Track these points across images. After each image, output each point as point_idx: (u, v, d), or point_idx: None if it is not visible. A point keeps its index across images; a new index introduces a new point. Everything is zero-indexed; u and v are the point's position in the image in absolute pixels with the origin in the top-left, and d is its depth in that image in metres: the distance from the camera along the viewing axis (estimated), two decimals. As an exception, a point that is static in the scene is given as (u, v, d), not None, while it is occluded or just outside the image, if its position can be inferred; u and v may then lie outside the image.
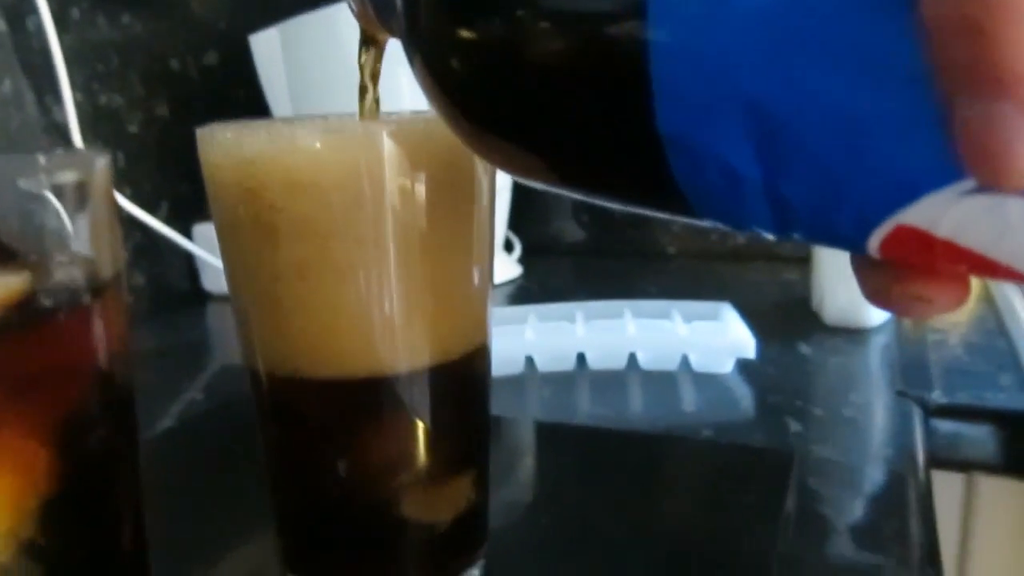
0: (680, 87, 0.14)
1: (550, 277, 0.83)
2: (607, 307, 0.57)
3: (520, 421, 0.46)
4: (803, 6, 0.13)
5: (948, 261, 0.14)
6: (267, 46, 0.70)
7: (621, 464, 0.40)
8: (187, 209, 0.75)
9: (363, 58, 0.26)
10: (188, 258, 0.76)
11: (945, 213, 0.13)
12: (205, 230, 0.76)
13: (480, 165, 0.27)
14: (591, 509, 0.35)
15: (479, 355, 0.28)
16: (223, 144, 0.25)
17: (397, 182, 0.24)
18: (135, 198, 0.69)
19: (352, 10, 0.25)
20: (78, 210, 0.13)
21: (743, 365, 0.52)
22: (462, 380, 0.28)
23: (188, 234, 0.75)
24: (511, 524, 0.34)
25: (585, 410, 0.48)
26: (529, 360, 0.53)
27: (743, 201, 0.15)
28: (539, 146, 0.19)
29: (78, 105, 0.65)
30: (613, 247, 0.91)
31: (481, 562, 0.30)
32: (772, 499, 0.35)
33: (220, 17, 0.79)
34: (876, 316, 0.58)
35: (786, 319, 0.62)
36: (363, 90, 0.27)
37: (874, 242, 0.14)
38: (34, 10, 0.61)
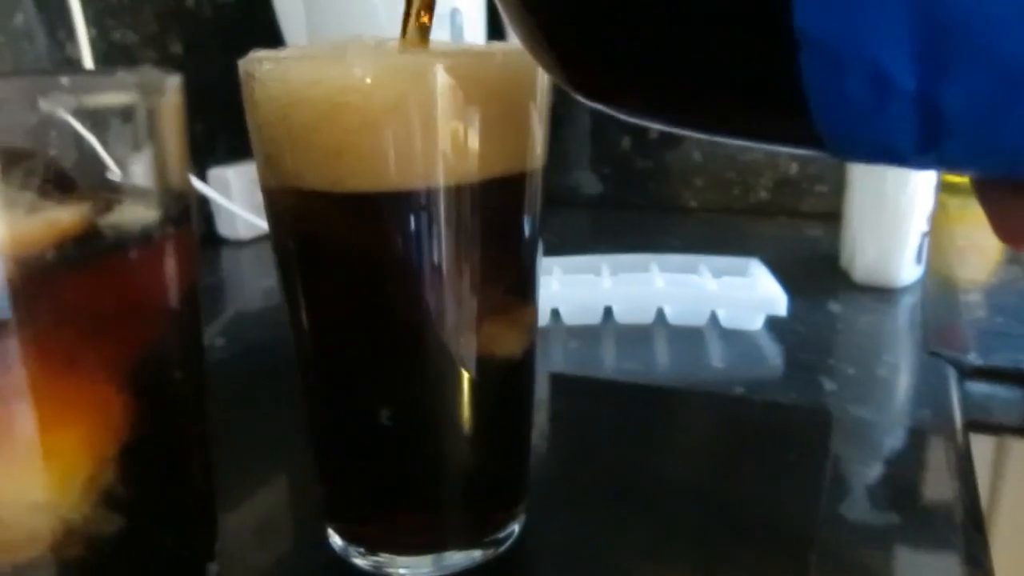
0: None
1: (569, 229, 0.82)
2: (633, 260, 0.56)
3: (551, 375, 0.45)
4: None
5: None
6: (286, -16, 0.68)
7: (658, 420, 0.39)
8: (201, 151, 0.74)
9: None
10: (203, 202, 0.74)
11: None
12: (220, 174, 0.75)
13: (537, 93, 0.25)
14: (629, 465, 0.35)
15: (531, 178, 0.27)
16: (268, 76, 0.24)
17: (449, 117, 0.23)
18: (150, 139, 0.67)
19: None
20: (146, 136, 0.12)
21: (772, 322, 0.51)
22: (515, 200, 0.26)
23: (203, 177, 0.73)
24: (548, 480, 0.34)
25: (612, 364, 0.47)
26: (555, 312, 0.52)
27: (885, 111, 0.13)
28: (640, 52, 0.17)
29: (91, 41, 0.63)
30: (632, 200, 0.89)
31: (521, 517, 0.30)
32: (812, 459, 0.35)
33: (235, -48, 0.77)
34: (906, 275, 0.57)
35: (813, 276, 0.61)
36: (412, 18, 0.26)
37: None
38: (46, -60, 0.59)
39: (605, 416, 0.40)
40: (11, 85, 0.16)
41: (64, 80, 0.14)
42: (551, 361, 0.47)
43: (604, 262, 0.56)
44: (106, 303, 0.11)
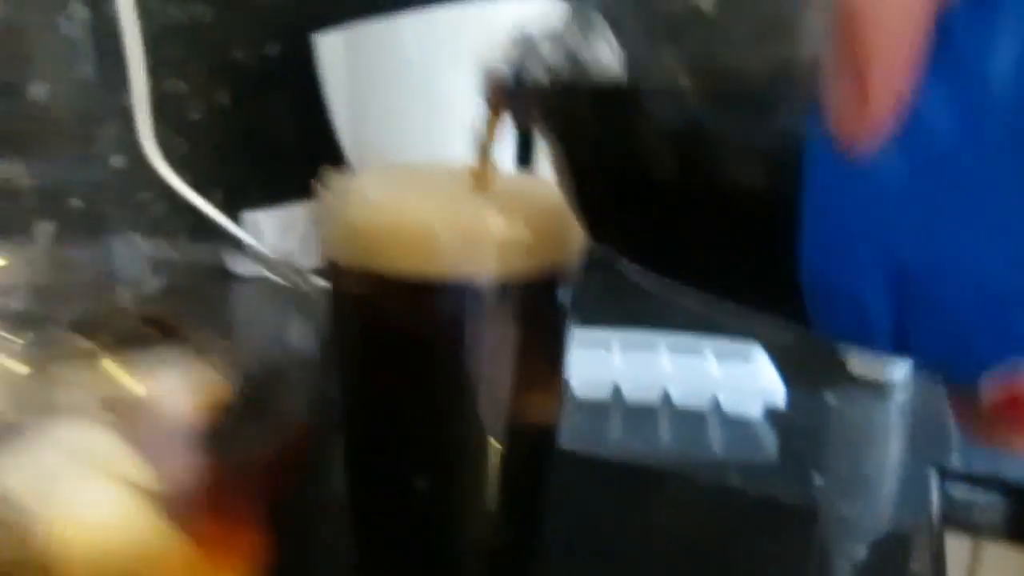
0: (829, 237, 0.16)
1: (579, 292, 0.85)
2: (642, 339, 0.59)
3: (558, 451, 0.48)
4: (958, 181, 0.14)
5: None
6: (332, 49, 0.72)
7: (656, 504, 0.43)
8: (239, 196, 0.77)
9: (484, 124, 0.28)
10: (235, 243, 0.78)
11: None
12: (252, 217, 0.78)
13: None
14: (624, 545, 0.38)
15: (567, 276, 0.30)
16: (346, 208, 0.27)
17: (501, 262, 0.27)
18: (193, 183, 0.71)
19: (486, 81, 0.27)
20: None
21: (770, 409, 0.54)
22: (552, 294, 0.30)
23: (236, 219, 0.77)
24: (549, 554, 0.37)
25: (617, 440, 0.50)
26: (566, 385, 0.55)
27: (866, 333, 0.17)
28: (673, 254, 0.21)
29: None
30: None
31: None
32: (796, 554, 0.38)
33: (285, 10, 0.81)
34: (900, 371, 0.60)
35: (813, 363, 0.64)
36: (478, 151, 0.29)
37: (986, 389, 0.16)
38: (113, -4, 0.63)
39: (606, 496, 0.43)
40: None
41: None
42: (559, 433, 0.50)
43: (615, 338, 0.59)
44: (261, 467, 0.14)
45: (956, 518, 0.48)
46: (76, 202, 0.64)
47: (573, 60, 0.22)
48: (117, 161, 0.67)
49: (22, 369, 0.18)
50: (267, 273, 0.22)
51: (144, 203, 0.70)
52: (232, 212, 0.75)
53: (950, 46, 0.14)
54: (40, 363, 0.18)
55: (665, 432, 0.52)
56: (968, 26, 0.14)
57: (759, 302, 0.21)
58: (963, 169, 0.14)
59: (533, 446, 0.32)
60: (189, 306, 0.22)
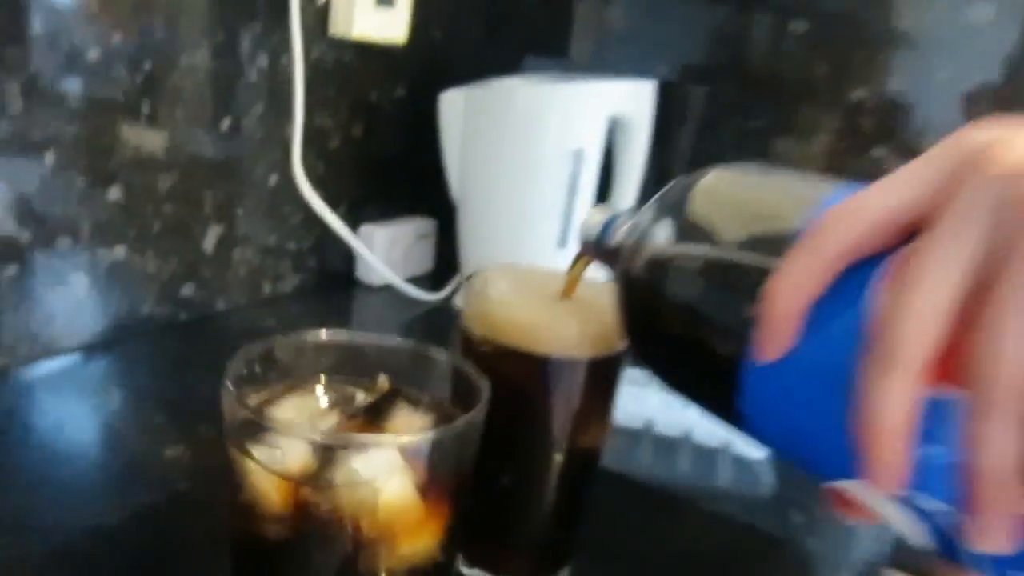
0: (755, 396, 0.30)
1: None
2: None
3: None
4: (812, 393, 0.28)
5: (858, 510, 0.29)
6: (452, 103, 0.86)
7: (666, 523, 0.56)
8: (359, 211, 0.93)
9: (577, 263, 0.42)
10: (349, 249, 0.93)
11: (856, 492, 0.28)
12: (368, 230, 0.94)
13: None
14: (637, 551, 0.52)
15: (619, 359, 0.44)
16: (480, 301, 0.42)
17: (575, 347, 0.41)
18: (324, 198, 0.86)
19: (582, 233, 0.41)
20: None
21: (771, 454, 0.67)
22: (616, 366, 0.44)
23: (354, 230, 0.92)
24: (584, 551, 0.51)
25: (643, 464, 0.64)
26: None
27: (771, 448, 0.30)
28: (671, 374, 0.35)
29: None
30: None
31: (566, 570, 0.47)
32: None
33: (416, 62, 0.95)
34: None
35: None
36: (569, 275, 0.43)
37: (827, 490, 0.30)
38: (287, 49, 0.79)
39: (630, 509, 0.57)
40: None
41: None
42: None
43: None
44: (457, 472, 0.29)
45: (907, 559, 0.60)
46: (239, 211, 0.80)
47: (639, 239, 0.36)
48: (272, 180, 0.82)
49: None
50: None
51: (287, 215, 0.86)
52: (352, 224, 0.91)
53: (819, 320, 0.27)
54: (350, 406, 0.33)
55: (683, 463, 0.65)
56: (827, 309, 0.27)
57: (718, 415, 0.34)
58: (812, 388, 0.27)
59: (584, 465, 0.46)
60: (411, 378, 0.36)
